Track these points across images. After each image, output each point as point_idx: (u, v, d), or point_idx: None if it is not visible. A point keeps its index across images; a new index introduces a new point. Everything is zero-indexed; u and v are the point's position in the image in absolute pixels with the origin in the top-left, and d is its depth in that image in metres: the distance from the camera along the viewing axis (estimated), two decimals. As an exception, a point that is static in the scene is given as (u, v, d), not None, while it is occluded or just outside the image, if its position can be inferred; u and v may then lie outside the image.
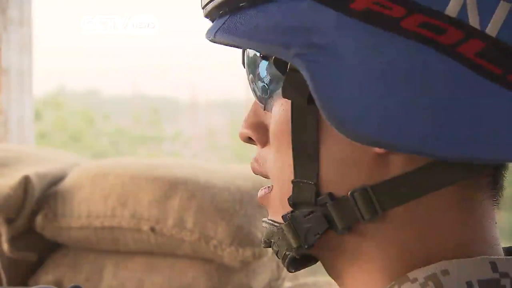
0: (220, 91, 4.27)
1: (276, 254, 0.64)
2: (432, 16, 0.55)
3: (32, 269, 1.93)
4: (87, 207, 1.87)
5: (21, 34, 2.68)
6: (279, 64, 0.60)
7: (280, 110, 0.62)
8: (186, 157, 4.22)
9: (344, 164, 0.59)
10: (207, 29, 0.64)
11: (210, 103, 4.49)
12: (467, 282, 0.56)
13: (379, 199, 0.58)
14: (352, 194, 0.58)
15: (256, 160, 0.66)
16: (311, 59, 0.56)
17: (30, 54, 2.73)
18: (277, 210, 0.63)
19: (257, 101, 0.66)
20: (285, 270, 1.93)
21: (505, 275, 0.57)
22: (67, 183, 1.92)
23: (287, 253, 0.63)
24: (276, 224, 0.63)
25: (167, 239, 1.80)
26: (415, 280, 0.57)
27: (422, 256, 0.58)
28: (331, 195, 0.59)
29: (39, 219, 1.88)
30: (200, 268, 1.82)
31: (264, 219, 0.66)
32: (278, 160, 0.62)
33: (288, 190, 0.61)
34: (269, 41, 0.58)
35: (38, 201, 1.89)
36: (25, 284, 1.90)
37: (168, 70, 4.08)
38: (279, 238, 0.63)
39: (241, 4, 0.61)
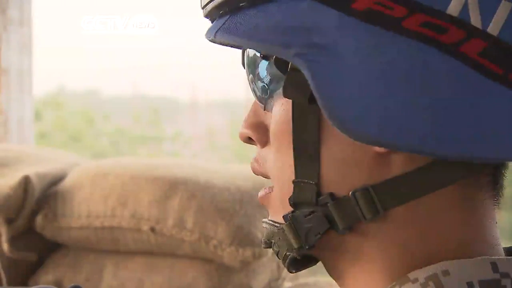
0: (220, 91, 4.27)
1: (277, 255, 0.64)
2: (434, 15, 0.55)
3: (32, 269, 1.93)
4: (87, 207, 1.87)
5: (21, 34, 2.68)
6: (280, 64, 0.60)
7: (280, 110, 0.62)
8: (186, 157, 4.22)
9: (345, 164, 0.59)
10: (207, 29, 0.64)
11: (210, 103, 4.49)
12: (467, 283, 0.56)
13: (380, 198, 0.58)
14: (353, 193, 0.58)
15: (256, 160, 0.66)
16: (312, 58, 0.56)
17: (30, 54, 2.73)
18: (278, 210, 0.63)
19: (257, 101, 0.66)
20: (285, 270, 1.93)
21: (505, 275, 0.57)
22: (67, 183, 1.92)
23: (287, 253, 0.63)
24: (276, 224, 0.63)
25: (167, 239, 1.80)
26: (415, 280, 0.57)
27: (423, 256, 0.58)
28: (332, 195, 0.59)
29: (39, 219, 1.88)
30: (200, 268, 1.82)
31: (265, 219, 0.66)
32: (279, 160, 0.62)
33: (289, 190, 0.61)
34: (269, 41, 0.58)
35: (38, 201, 1.89)
36: (25, 284, 1.90)
37: (168, 70, 4.08)
38: (279, 238, 0.63)
39: (241, 4, 0.61)
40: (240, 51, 0.67)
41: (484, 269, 0.57)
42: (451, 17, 0.55)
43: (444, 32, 0.55)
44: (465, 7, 0.55)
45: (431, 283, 0.56)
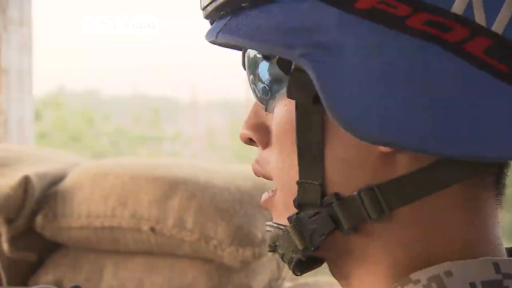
0: (220, 91, 4.27)
1: (282, 258, 0.63)
2: (438, 14, 0.55)
3: (32, 269, 1.93)
4: (87, 207, 1.87)
5: (21, 34, 2.68)
6: (283, 65, 0.60)
7: (283, 110, 0.62)
8: (186, 157, 4.22)
9: (350, 164, 0.59)
10: (207, 29, 0.64)
11: (210, 103, 4.49)
12: (470, 283, 0.56)
13: (385, 198, 0.58)
14: (359, 193, 0.58)
15: (257, 161, 0.65)
16: (317, 59, 0.56)
17: (30, 54, 2.73)
18: (282, 212, 0.63)
19: (258, 102, 0.65)
20: (285, 270, 1.93)
21: (508, 276, 0.57)
22: (67, 183, 1.92)
23: (293, 256, 0.62)
24: (281, 226, 0.63)
25: (167, 239, 1.80)
26: (417, 281, 0.57)
27: (428, 256, 0.58)
28: (336, 195, 0.59)
29: (39, 219, 1.88)
30: (200, 268, 1.82)
31: (268, 222, 0.65)
32: (282, 161, 0.62)
33: (292, 191, 0.61)
34: (271, 42, 0.58)
35: (38, 201, 1.89)
36: (25, 284, 1.90)
37: (168, 70, 4.08)
38: (284, 241, 0.62)
39: (242, 5, 0.61)
40: (240, 51, 0.67)
41: (486, 270, 0.57)
42: (455, 15, 0.55)
43: (449, 31, 0.55)
44: (469, 5, 0.55)
45: (433, 284, 0.56)
